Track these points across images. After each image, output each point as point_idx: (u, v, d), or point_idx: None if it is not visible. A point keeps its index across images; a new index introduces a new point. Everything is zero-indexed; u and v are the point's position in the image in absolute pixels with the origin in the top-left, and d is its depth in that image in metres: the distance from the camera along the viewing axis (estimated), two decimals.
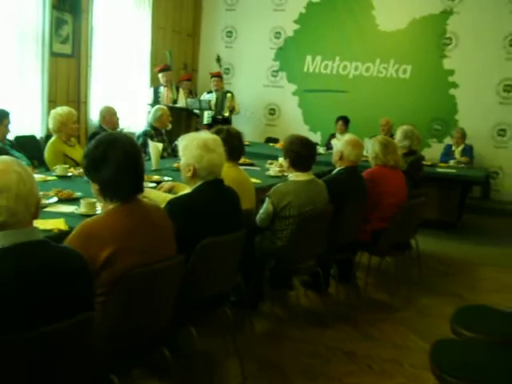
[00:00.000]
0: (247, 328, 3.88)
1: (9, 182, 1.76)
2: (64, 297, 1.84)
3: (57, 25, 7.40)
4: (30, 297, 1.74)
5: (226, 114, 8.93)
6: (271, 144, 8.36)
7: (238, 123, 9.02)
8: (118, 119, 6.05)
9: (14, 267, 1.73)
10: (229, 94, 9.05)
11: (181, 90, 8.97)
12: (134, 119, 8.68)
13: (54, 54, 7.37)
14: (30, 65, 7.11)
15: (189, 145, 3.02)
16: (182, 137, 3.09)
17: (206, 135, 3.08)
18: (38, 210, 1.87)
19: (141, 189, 2.45)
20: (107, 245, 2.25)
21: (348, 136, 4.63)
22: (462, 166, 7.66)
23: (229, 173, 3.29)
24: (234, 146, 3.69)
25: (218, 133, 3.45)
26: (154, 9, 9.05)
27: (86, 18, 7.81)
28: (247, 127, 9.05)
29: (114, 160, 2.33)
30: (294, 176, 3.95)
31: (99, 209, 3.32)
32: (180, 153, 3.05)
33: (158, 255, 2.41)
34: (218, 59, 9.74)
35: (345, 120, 8.61)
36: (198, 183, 3.00)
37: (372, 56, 9.19)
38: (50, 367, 1.85)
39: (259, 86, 9.91)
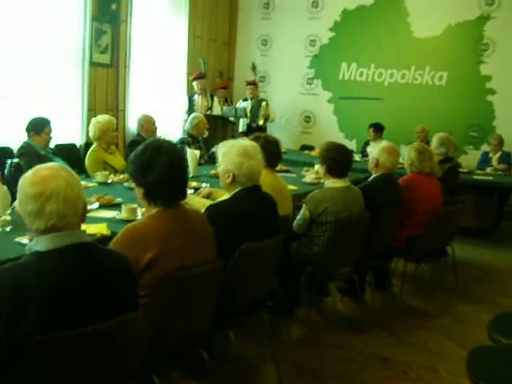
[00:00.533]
0: (283, 333, 3.93)
1: (58, 187, 1.83)
2: (110, 297, 1.92)
3: (96, 35, 7.58)
4: (78, 296, 1.82)
5: (261, 123, 9.01)
6: (306, 151, 8.40)
7: (274, 131, 9.08)
8: (156, 128, 6.16)
9: (64, 268, 1.81)
10: (263, 103, 9.13)
11: (215, 98, 9.08)
12: (171, 127, 8.80)
13: (93, 64, 7.54)
14: (70, 74, 7.29)
15: (228, 151, 3.08)
16: (221, 143, 3.16)
17: (245, 142, 3.15)
18: (85, 214, 1.95)
19: (184, 195, 2.53)
20: (150, 248, 2.33)
21: (384, 143, 4.66)
22: (500, 173, 7.58)
23: (266, 179, 3.34)
24: (272, 153, 3.75)
25: (255, 140, 3.51)
26: (191, 17, 9.19)
27: (124, 28, 7.98)
28: (282, 135, 9.09)
29: (159, 166, 2.41)
30: (330, 183, 4.00)
31: (140, 214, 3.42)
32: (219, 159, 3.12)
33: (199, 259, 2.48)
34: (254, 67, 9.86)
35: (376, 127, 8.58)
36: (237, 189, 3.07)
37: (407, 63, 9.17)
38: (93, 365, 1.92)
39: (294, 94, 9.97)
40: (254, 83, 9.32)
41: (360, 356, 3.82)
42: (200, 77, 8.83)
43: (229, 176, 3.07)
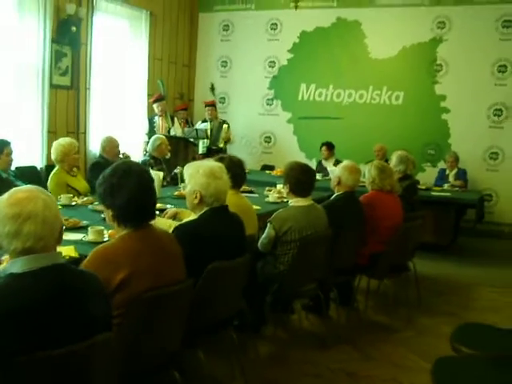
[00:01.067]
0: (251, 351, 3.97)
1: (36, 209, 1.86)
2: (84, 318, 1.94)
3: (56, 57, 7.57)
4: (52, 318, 1.83)
5: (221, 145, 9.07)
6: (268, 171, 8.50)
7: (234, 151, 9.13)
8: (119, 150, 6.17)
9: (38, 289, 1.82)
10: (225, 126, 9.20)
11: (176, 120, 9.12)
12: (132, 149, 8.79)
13: (53, 86, 7.53)
14: (30, 96, 7.25)
15: (195, 172, 3.14)
16: (187, 165, 3.21)
17: (211, 163, 3.21)
18: (61, 236, 1.98)
19: (153, 216, 2.57)
20: (121, 268, 2.36)
21: (345, 162, 4.76)
22: (456, 189, 7.80)
23: (232, 200, 3.40)
24: (237, 173, 3.81)
25: (220, 160, 3.58)
26: (151, 40, 9.24)
27: (84, 51, 7.99)
28: (243, 155, 9.03)
29: (128, 187, 2.45)
30: (293, 202, 4.08)
31: (106, 236, 3.44)
32: (186, 180, 3.17)
33: (169, 279, 2.51)
34: (212, 88, 9.94)
35: (329, 145, 8.77)
36: (204, 209, 3.12)
37: (365, 83, 9.39)
38: None
39: (254, 114, 10.09)
40: (212, 104, 9.39)
41: (327, 371, 3.88)
42: (160, 99, 8.85)
43: (196, 197, 3.12)
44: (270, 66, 10.00)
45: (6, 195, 1.89)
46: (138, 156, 8.68)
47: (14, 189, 1.92)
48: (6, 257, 2.84)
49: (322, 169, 8.33)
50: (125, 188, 2.45)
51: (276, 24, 9.91)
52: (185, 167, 3.22)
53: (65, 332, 1.86)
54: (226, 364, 3.74)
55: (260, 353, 4.02)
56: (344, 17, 9.46)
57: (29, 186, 2.01)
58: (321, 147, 8.83)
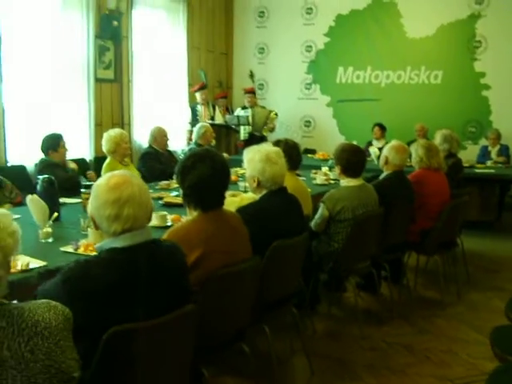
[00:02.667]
0: (309, 328, 4.11)
1: (133, 193, 2.02)
2: (175, 289, 2.13)
3: (100, 52, 7.77)
4: (150, 289, 2.02)
5: (265, 134, 9.17)
6: (310, 155, 8.58)
7: (275, 136, 9.25)
8: (167, 139, 6.34)
9: (139, 263, 2.00)
10: (272, 115, 9.28)
11: (217, 108, 9.27)
12: (175, 138, 8.96)
13: (98, 80, 7.73)
14: (76, 91, 7.48)
15: (252, 158, 3.29)
16: (245, 150, 3.36)
17: (268, 148, 3.34)
18: (151, 214, 2.15)
19: (220, 203, 2.71)
20: (195, 248, 2.51)
21: (393, 142, 4.84)
22: (500, 165, 7.80)
23: (289, 181, 3.52)
24: (293, 156, 3.95)
25: (277, 144, 3.72)
26: (189, 30, 9.37)
27: (126, 44, 8.18)
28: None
29: (199, 170, 2.60)
30: (345, 182, 4.19)
31: (170, 221, 3.61)
32: (245, 165, 3.31)
33: (239, 257, 2.67)
34: (251, 75, 10.06)
35: (381, 126, 8.86)
36: (264, 192, 3.26)
37: (403, 63, 9.39)
38: (157, 357, 2.08)
39: (293, 99, 10.19)
40: (252, 91, 9.48)
41: (384, 345, 4.01)
42: (202, 88, 9.01)
43: (254, 181, 3.27)
44: (306, 51, 10.06)
45: (103, 180, 2.06)
46: (181, 144, 8.89)
47: (108, 174, 2.09)
48: (83, 242, 3.04)
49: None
50: (196, 170, 2.60)
51: (311, 8, 9.96)
52: (244, 152, 3.36)
53: (157, 301, 2.04)
54: (285, 340, 3.88)
55: (317, 329, 4.16)
56: None
57: (122, 171, 2.17)
58: (373, 127, 8.91)
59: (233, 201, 3.58)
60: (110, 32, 7.83)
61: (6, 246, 1.54)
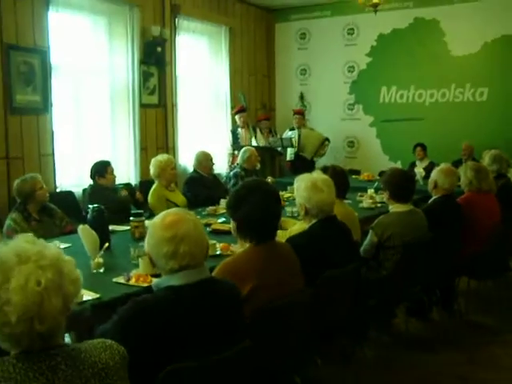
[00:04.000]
0: (358, 355, 4.04)
1: (188, 230, 2.05)
2: (229, 325, 2.12)
3: (144, 77, 7.90)
4: (205, 325, 2.02)
5: (315, 159, 9.18)
6: (354, 176, 8.52)
7: (319, 158, 9.30)
8: (213, 164, 6.37)
9: (196, 301, 2.02)
10: (326, 143, 9.34)
11: (258, 130, 9.31)
12: (218, 161, 9.01)
13: (142, 105, 7.85)
14: (122, 116, 7.62)
15: (299, 186, 3.30)
16: (296, 178, 3.35)
17: (315, 176, 3.33)
18: (207, 252, 2.16)
19: (272, 235, 2.70)
20: (247, 281, 2.50)
21: (441, 165, 4.77)
22: None
23: (338, 208, 3.49)
24: (340, 183, 3.91)
25: (324, 171, 3.70)
26: (231, 54, 9.46)
27: (169, 69, 8.29)
28: (327, 160, 9.24)
29: (252, 202, 2.61)
30: (394, 207, 4.14)
31: (219, 250, 3.61)
32: (294, 193, 3.31)
33: (290, 289, 2.64)
34: (301, 97, 10.13)
35: (422, 146, 8.76)
36: (313, 221, 3.24)
37: (447, 81, 9.27)
38: None
39: (336, 120, 10.16)
40: (300, 112, 9.54)
41: (436, 374, 3.91)
42: (241, 110, 9.08)
43: (302, 209, 3.27)
44: (349, 71, 10.04)
45: (158, 219, 2.08)
46: (223, 168, 8.93)
47: (163, 212, 2.13)
48: (134, 272, 3.06)
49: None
50: (249, 202, 2.61)
51: (353, 29, 9.96)
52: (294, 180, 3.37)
53: (213, 341, 2.03)
54: (335, 369, 3.82)
55: (367, 357, 4.09)
56: (421, 16, 9.37)
57: (176, 208, 2.20)
58: (414, 148, 8.80)
59: (283, 233, 3.57)
60: (154, 58, 7.97)
61: (68, 294, 1.55)
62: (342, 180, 4.04)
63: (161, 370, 1.87)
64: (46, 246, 1.58)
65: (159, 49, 7.95)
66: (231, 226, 2.74)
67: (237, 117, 9.07)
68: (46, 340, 1.51)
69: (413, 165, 8.69)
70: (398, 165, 9.28)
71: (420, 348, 4.33)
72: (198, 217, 4.69)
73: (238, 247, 2.85)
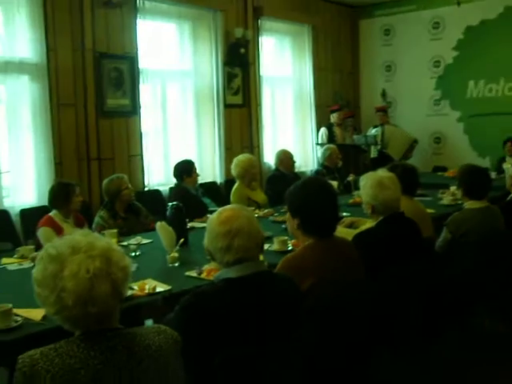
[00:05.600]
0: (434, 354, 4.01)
1: (242, 225, 2.18)
2: (286, 317, 2.22)
3: (228, 79, 8.11)
4: (259, 317, 2.13)
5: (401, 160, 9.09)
6: (440, 173, 8.38)
7: None
8: (294, 162, 6.48)
9: (251, 292, 2.15)
10: (415, 144, 9.28)
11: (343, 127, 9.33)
12: (303, 159, 9.12)
13: (227, 106, 8.06)
14: (207, 117, 7.88)
15: (365, 184, 3.36)
16: (361, 177, 3.41)
17: (381, 174, 3.38)
18: (263, 246, 2.28)
19: (331, 230, 2.79)
20: (308, 276, 2.59)
21: None
22: None
23: (406, 206, 3.51)
24: (410, 181, 3.93)
25: (393, 169, 3.72)
26: (314, 52, 9.49)
27: (253, 70, 8.46)
28: (413, 157, 9.15)
29: (314, 200, 2.70)
30: (468, 204, 4.09)
31: (290, 246, 3.72)
32: (361, 191, 3.37)
33: (350, 286, 2.71)
34: (383, 94, 10.05)
35: None
36: (380, 218, 3.29)
37: None
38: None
39: (422, 116, 9.96)
40: (383, 109, 9.48)
41: None
42: (338, 109, 9.16)
43: (369, 207, 3.32)
44: (434, 66, 9.84)
45: (215, 215, 2.24)
46: (309, 166, 9.02)
47: (220, 209, 2.27)
48: (206, 267, 3.22)
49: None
50: (312, 200, 2.70)
51: (438, 22, 9.74)
52: (361, 178, 3.42)
53: (267, 332, 2.13)
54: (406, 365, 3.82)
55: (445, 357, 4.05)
56: None
57: (232, 205, 2.34)
58: (504, 143, 8.52)
59: (350, 231, 3.63)
60: (238, 59, 8.16)
61: (117, 280, 1.71)
62: (412, 177, 4.04)
63: (217, 356, 2.00)
64: (97, 238, 1.76)
65: (242, 50, 8.13)
66: (288, 223, 2.84)
67: (334, 115, 9.13)
68: (101, 322, 1.69)
69: (502, 160, 8.42)
70: (487, 161, 9.03)
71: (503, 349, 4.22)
72: (277, 214, 4.89)
73: (297, 243, 2.95)
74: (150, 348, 1.74)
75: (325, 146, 7.09)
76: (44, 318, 2.57)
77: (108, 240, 1.79)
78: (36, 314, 2.60)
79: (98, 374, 1.62)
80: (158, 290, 2.92)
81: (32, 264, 3.68)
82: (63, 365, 1.60)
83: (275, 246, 3.70)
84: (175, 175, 5.76)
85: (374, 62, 10.52)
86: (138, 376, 1.68)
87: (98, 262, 1.67)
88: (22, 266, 3.70)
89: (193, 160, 6.01)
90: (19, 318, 2.57)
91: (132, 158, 6.88)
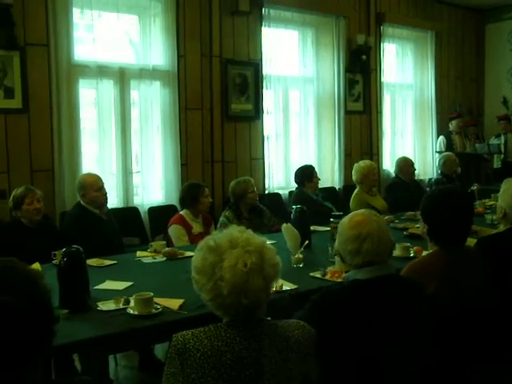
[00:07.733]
0: None
1: (371, 230, 2.27)
2: (412, 319, 2.27)
3: (350, 85, 8.16)
4: (387, 317, 2.20)
5: None
6: None
7: None
8: (414, 170, 6.44)
9: (381, 294, 2.23)
10: None
11: (464, 136, 9.11)
12: (424, 167, 9.01)
13: (348, 112, 8.12)
14: (327, 123, 7.97)
15: (507, 190, 3.26)
16: (505, 180, 3.35)
17: None
18: (392, 251, 2.35)
19: (463, 239, 2.77)
20: (431, 281, 2.60)
21: None
22: None
23: None
24: None
25: None
26: (437, 59, 9.33)
27: (374, 77, 8.46)
28: None
29: (448, 208, 2.70)
30: None
31: (412, 253, 3.74)
32: (499, 194, 3.31)
33: (474, 294, 2.69)
34: (505, 101, 9.70)
35: None
36: (508, 226, 3.23)
37: None
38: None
39: None
40: (505, 118, 9.17)
41: None
42: (456, 117, 8.98)
43: (501, 212, 3.26)
44: None
45: (346, 219, 2.35)
46: (430, 174, 8.87)
47: (352, 213, 2.37)
48: (330, 268, 3.32)
49: None
50: (444, 208, 2.71)
51: None
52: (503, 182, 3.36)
53: (392, 331, 2.20)
54: None
55: None
56: None
57: (364, 210, 2.43)
58: None
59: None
60: (359, 66, 8.20)
61: (268, 276, 1.85)
62: None
63: (345, 353, 2.10)
64: (252, 235, 1.91)
65: (364, 57, 8.16)
66: (421, 228, 2.87)
67: (453, 122, 8.97)
68: (249, 312, 1.84)
69: None
70: None
71: None
72: (397, 221, 4.91)
73: (419, 250, 2.98)
74: (289, 339, 1.87)
75: (442, 154, 6.99)
76: (181, 307, 2.78)
77: (262, 238, 1.93)
78: (174, 303, 2.82)
79: (241, 357, 1.77)
80: (285, 288, 3.05)
81: (164, 258, 3.95)
82: (211, 346, 1.77)
83: (397, 252, 3.72)
84: (296, 180, 5.91)
85: (499, 68, 10.14)
86: (277, 364, 1.81)
87: (254, 258, 1.81)
88: (155, 260, 3.97)
89: (313, 165, 6.13)
90: (159, 306, 2.79)
91: (254, 162, 7.10)
